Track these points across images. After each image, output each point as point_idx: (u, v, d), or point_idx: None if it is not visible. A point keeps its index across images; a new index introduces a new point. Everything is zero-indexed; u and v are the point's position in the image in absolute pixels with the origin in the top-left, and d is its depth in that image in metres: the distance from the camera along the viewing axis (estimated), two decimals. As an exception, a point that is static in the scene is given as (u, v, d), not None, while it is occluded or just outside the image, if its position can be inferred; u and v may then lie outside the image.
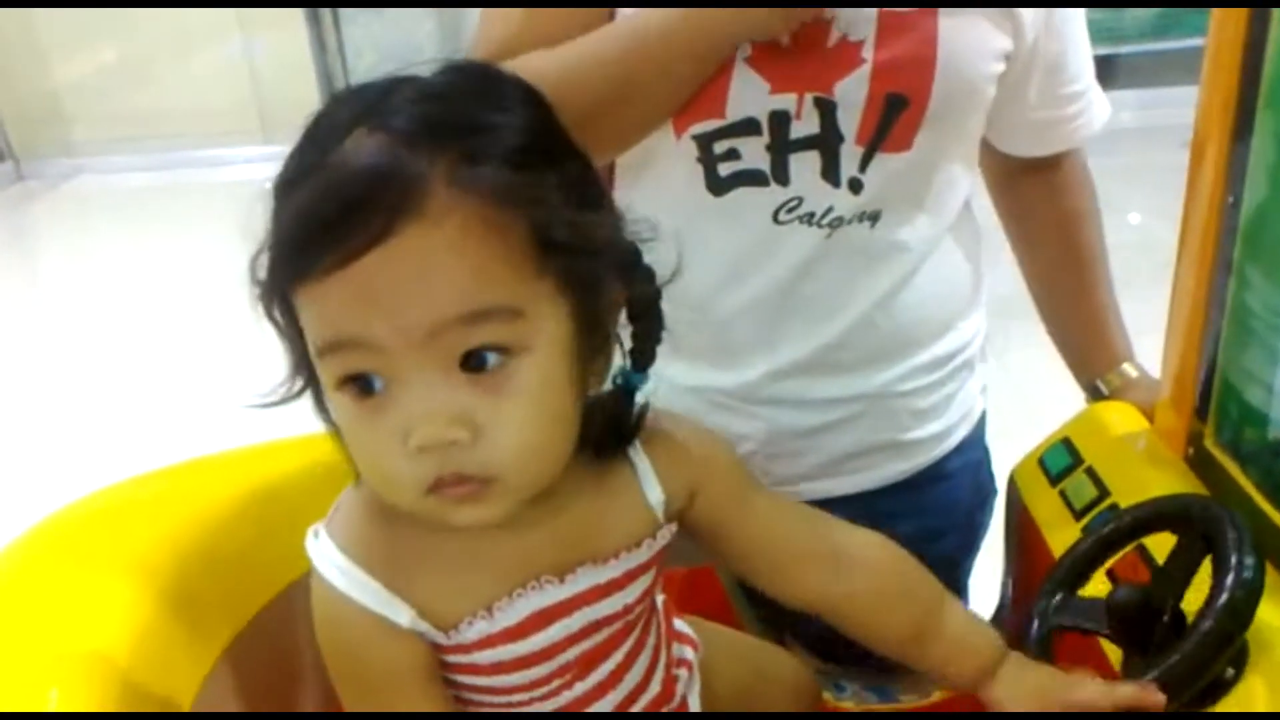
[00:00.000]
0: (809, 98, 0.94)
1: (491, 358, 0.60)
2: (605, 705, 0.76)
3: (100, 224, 5.43)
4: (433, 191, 0.58)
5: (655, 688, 0.80)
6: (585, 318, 0.64)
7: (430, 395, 0.59)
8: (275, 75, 5.59)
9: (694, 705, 0.85)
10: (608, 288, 0.65)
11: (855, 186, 0.97)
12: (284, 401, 0.67)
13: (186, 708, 0.84)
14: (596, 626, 0.73)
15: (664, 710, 0.81)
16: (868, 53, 0.92)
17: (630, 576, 0.73)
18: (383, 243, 0.57)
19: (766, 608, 1.16)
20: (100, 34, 5.49)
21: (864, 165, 0.96)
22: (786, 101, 0.94)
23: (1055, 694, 0.75)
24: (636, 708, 0.78)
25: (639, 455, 0.73)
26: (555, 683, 0.73)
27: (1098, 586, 0.86)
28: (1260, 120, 0.86)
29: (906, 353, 1.06)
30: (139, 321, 4.00)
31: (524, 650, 0.70)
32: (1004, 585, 1.13)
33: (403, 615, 0.67)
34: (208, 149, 5.66)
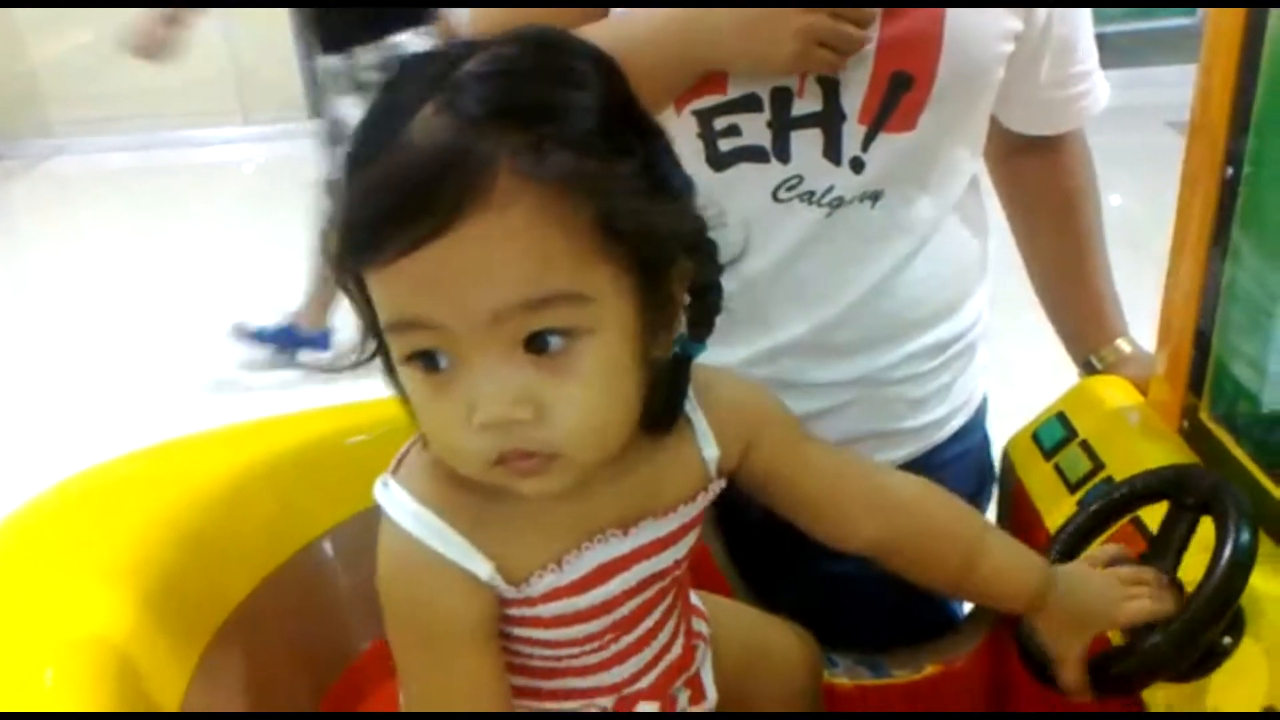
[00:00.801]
0: (811, 75, 0.92)
1: (554, 340, 0.60)
2: (635, 662, 0.77)
3: (79, 205, 5.39)
4: (500, 179, 0.57)
5: (677, 651, 0.81)
6: (650, 298, 0.64)
7: (493, 376, 0.60)
8: (255, 55, 5.54)
9: (707, 679, 0.86)
10: (674, 266, 0.66)
11: (857, 166, 0.95)
12: (357, 365, 0.67)
13: (181, 692, 0.83)
14: (649, 582, 0.75)
15: (680, 678, 0.82)
16: (872, 30, 0.90)
17: (684, 530, 0.76)
18: (448, 232, 0.57)
19: (758, 585, 1.16)
20: (77, 14, 5.42)
21: (866, 144, 0.95)
22: (789, 78, 0.92)
23: (1099, 621, 0.79)
24: (659, 669, 0.80)
25: (695, 412, 0.75)
26: (606, 637, 0.75)
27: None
28: (1260, 96, 0.86)
29: (905, 337, 1.05)
30: (119, 302, 3.97)
31: (585, 604, 0.72)
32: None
33: (483, 568, 0.68)
34: (187, 129, 5.62)
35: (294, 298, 3.31)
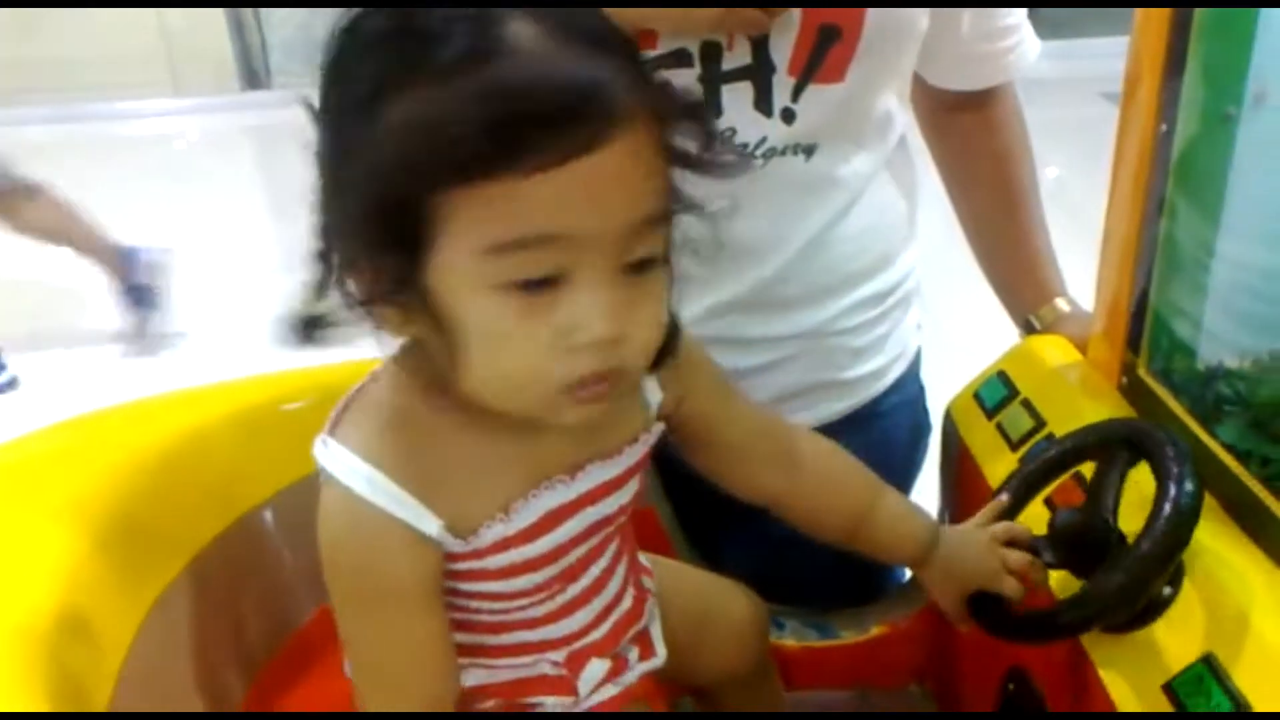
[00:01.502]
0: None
1: (650, 263, 0.63)
2: (584, 614, 0.78)
3: None
4: (625, 98, 0.58)
5: (626, 603, 0.82)
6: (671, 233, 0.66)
7: (603, 294, 0.60)
8: (185, 25, 5.41)
9: (656, 635, 0.87)
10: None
11: (788, 116, 0.96)
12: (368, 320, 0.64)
13: (118, 663, 0.81)
14: (596, 528, 0.75)
15: (630, 631, 0.83)
16: None
17: (629, 473, 0.76)
18: (601, 146, 0.57)
19: (703, 547, 1.17)
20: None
21: (796, 95, 0.96)
22: (717, 33, 0.93)
23: (973, 584, 0.85)
24: (610, 621, 0.80)
25: None
26: (554, 588, 0.75)
27: (1035, 513, 0.87)
28: (1192, 53, 0.87)
29: (845, 289, 1.06)
30: (43, 282, 3.87)
31: (533, 553, 0.71)
32: (940, 518, 1.14)
33: (431, 524, 0.67)
34: (115, 101, 5.47)
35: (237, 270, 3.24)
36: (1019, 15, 1.09)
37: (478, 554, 0.70)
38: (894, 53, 1.00)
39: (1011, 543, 0.85)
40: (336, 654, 0.83)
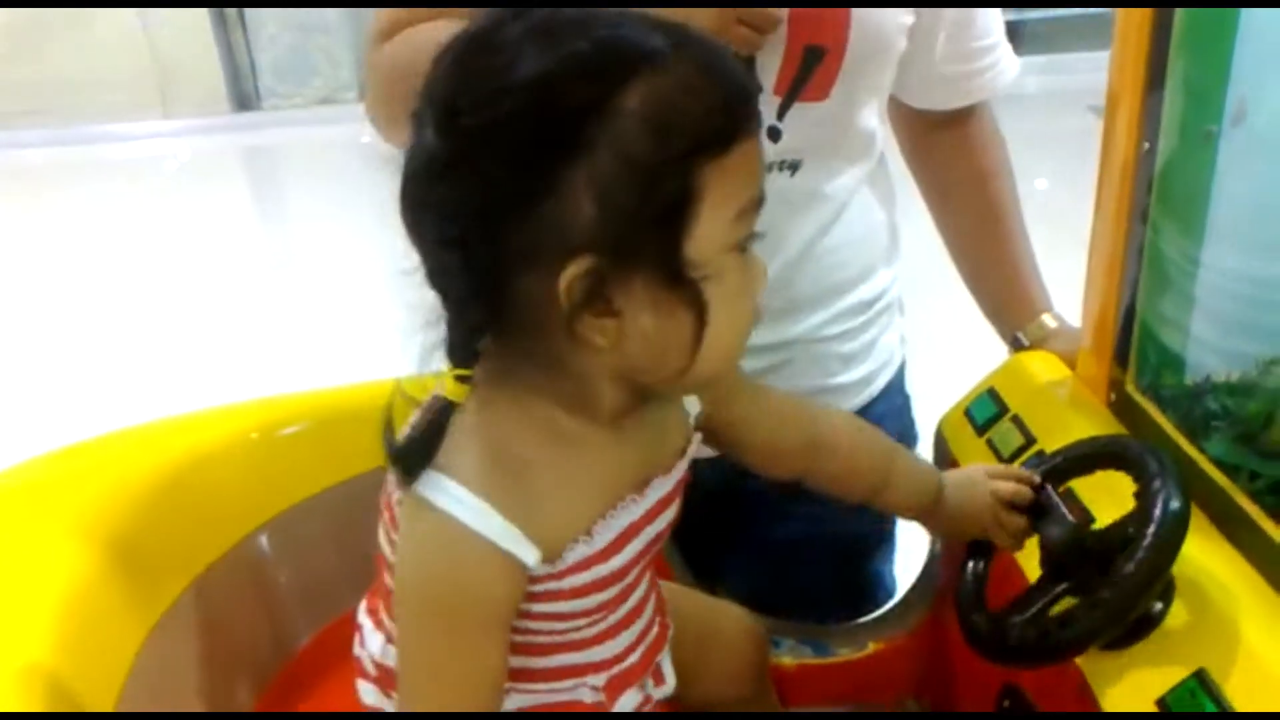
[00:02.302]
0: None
1: None
2: (626, 636, 0.79)
3: (-8, 202, 5.23)
4: None
5: (655, 630, 0.84)
6: None
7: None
8: (175, 47, 5.42)
9: (666, 665, 0.87)
10: None
11: (774, 134, 0.98)
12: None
13: (118, 688, 0.82)
14: (651, 545, 0.76)
15: (657, 657, 0.85)
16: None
17: (678, 487, 0.78)
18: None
19: (700, 566, 1.17)
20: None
21: (782, 114, 0.97)
22: None
23: (972, 532, 0.88)
24: (644, 646, 0.82)
25: None
26: (612, 607, 0.76)
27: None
28: (1172, 69, 0.88)
29: (830, 298, 1.08)
30: (37, 304, 3.87)
31: (606, 571, 0.72)
32: (932, 542, 1.15)
33: (531, 554, 0.68)
34: (106, 123, 5.48)
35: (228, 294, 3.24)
36: (996, 36, 1.10)
37: (560, 575, 0.71)
38: (875, 70, 1.01)
39: (1013, 505, 0.86)
40: (336, 677, 0.84)
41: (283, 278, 3.83)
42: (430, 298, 0.65)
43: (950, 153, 1.17)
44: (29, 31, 5.30)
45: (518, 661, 0.75)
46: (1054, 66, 4.37)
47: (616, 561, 0.73)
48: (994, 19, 1.10)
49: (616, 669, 0.79)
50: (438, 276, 0.63)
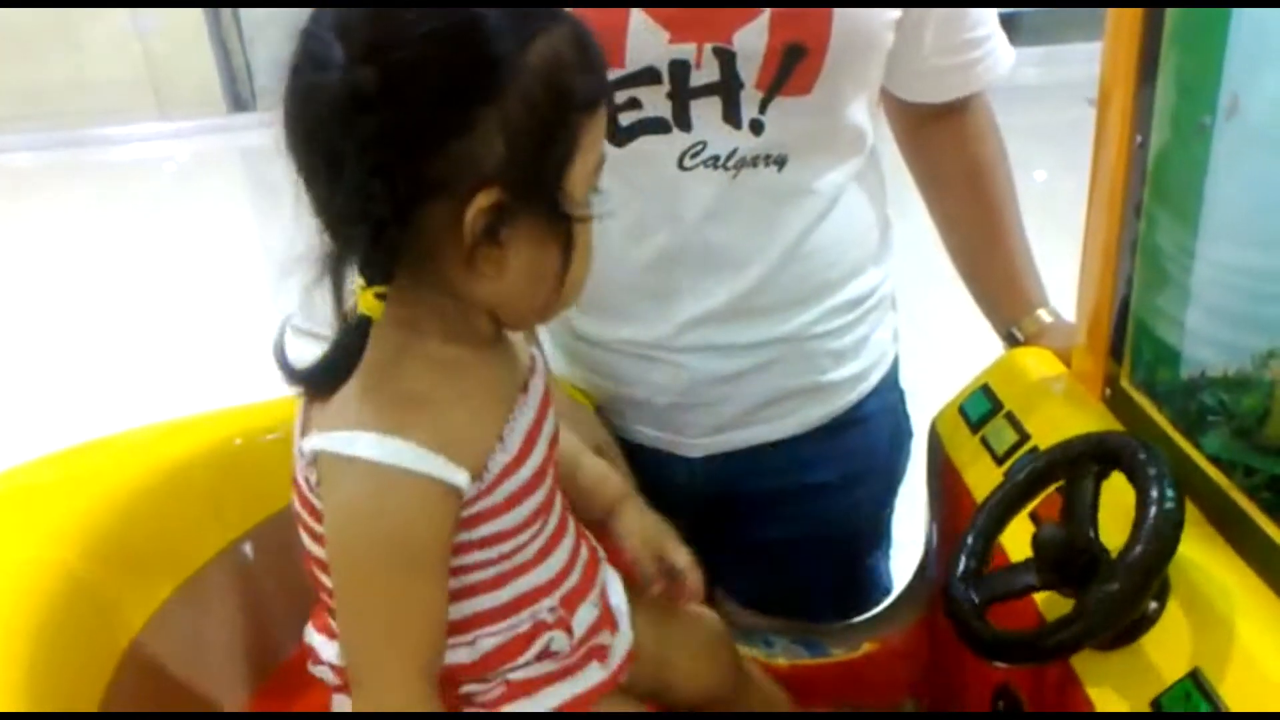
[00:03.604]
0: (708, 47, 0.93)
1: None
2: (562, 552, 0.84)
3: (-10, 206, 5.23)
4: None
5: (585, 552, 0.88)
6: None
7: None
8: (169, 49, 5.41)
9: (617, 604, 0.90)
10: None
11: (756, 128, 0.97)
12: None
13: (105, 678, 0.82)
14: (551, 447, 0.82)
15: (597, 573, 0.89)
16: None
17: (548, 390, 0.84)
18: None
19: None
20: (-22, 9, 5.25)
21: (764, 108, 0.97)
22: (686, 51, 0.93)
23: (654, 544, 0.94)
24: (580, 562, 0.86)
25: None
26: (542, 518, 0.81)
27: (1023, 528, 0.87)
28: (1164, 63, 0.87)
29: (821, 296, 1.07)
30: (34, 308, 3.87)
31: (527, 473, 0.77)
32: (929, 533, 1.14)
33: (459, 474, 0.71)
34: (101, 127, 5.47)
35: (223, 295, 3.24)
36: (988, 27, 1.08)
37: (488, 490, 0.75)
38: (861, 66, 1.00)
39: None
40: (323, 687, 0.83)
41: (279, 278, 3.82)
42: (309, 231, 0.69)
43: (944, 146, 1.16)
44: (23, 35, 5.29)
45: (471, 606, 0.78)
46: (1051, 58, 4.36)
47: (532, 462, 0.78)
48: (984, 11, 1.08)
49: (564, 587, 0.83)
50: (354, 201, 0.65)
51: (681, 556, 0.94)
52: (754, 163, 0.98)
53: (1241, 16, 0.81)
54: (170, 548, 0.95)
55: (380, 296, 0.67)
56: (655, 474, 1.10)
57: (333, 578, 0.74)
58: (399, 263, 0.68)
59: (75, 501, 0.93)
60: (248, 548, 0.98)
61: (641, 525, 0.95)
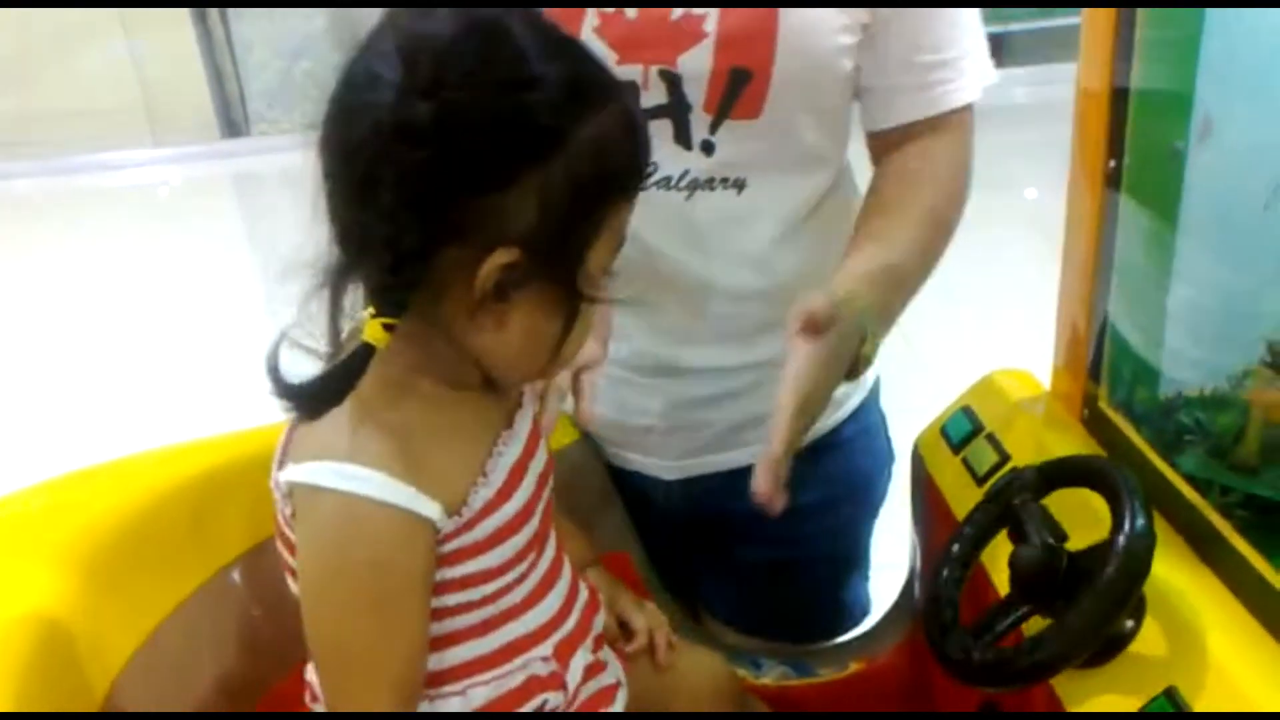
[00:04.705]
0: (654, 70, 0.94)
1: None
2: (555, 596, 0.83)
3: (-14, 233, 5.24)
4: None
5: (584, 593, 0.88)
6: None
7: None
8: (163, 75, 5.44)
9: (609, 656, 0.90)
10: None
11: (708, 149, 0.97)
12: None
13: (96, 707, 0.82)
14: (541, 484, 0.82)
15: (595, 618, 0.89)
16: (710, 25, 0.92)
17: (537, 425, 0.84)
18: None
19: (679, 587, 1.17)
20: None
21: (714, 129, 0.96)
22: (633, 72, 0.94)
23: (614, 607, 0.95)
24: (576, 607, 0.86)
25: None
26: (529, 556, 0.80)
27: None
28: (1136, 87, 0.89)
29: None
30: (30, 334, 3.87)
31: (511, 510, 0.77)
32: (913, 554, 1.15)
33: (431, 507, 0.71)
34: (95, 153, 5.49)
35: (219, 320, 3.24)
36: (949, 54, 0.99)
37: (469, 525, 0.74)
38: (812, 91, 0.97)
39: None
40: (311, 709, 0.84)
41: (274, 304, 3.83)
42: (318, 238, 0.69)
43: (885, 172, 1.04)
44: (16, 62, 5.31)
45: (461, 651, 0.77)
46: (1040, 77, 4.38)
47: (517, 499, 0.77)
48: (951, 31, 0.99)
49: (558, 634, 0.83)
50: (382, 227, 0.65)
51: (638, 618, 0.94)
52: (709, 185, 0.98)
53: (1211, 39, 0.82)
54: (162, 575, 0.95)
55: (389, 328, 0.67)
56: (633, 496, 1.10)
57: (304, 611, 0.74)
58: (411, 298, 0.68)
59: (62, 531, 0.93)
60: (235, 576, 0.98)
61: (604, 590, 0.95)
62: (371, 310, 0.67)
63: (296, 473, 0.71)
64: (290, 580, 0.78)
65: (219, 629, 0.97)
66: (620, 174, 0.70)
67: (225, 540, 0.99)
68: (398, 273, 0.66)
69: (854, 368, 0.88)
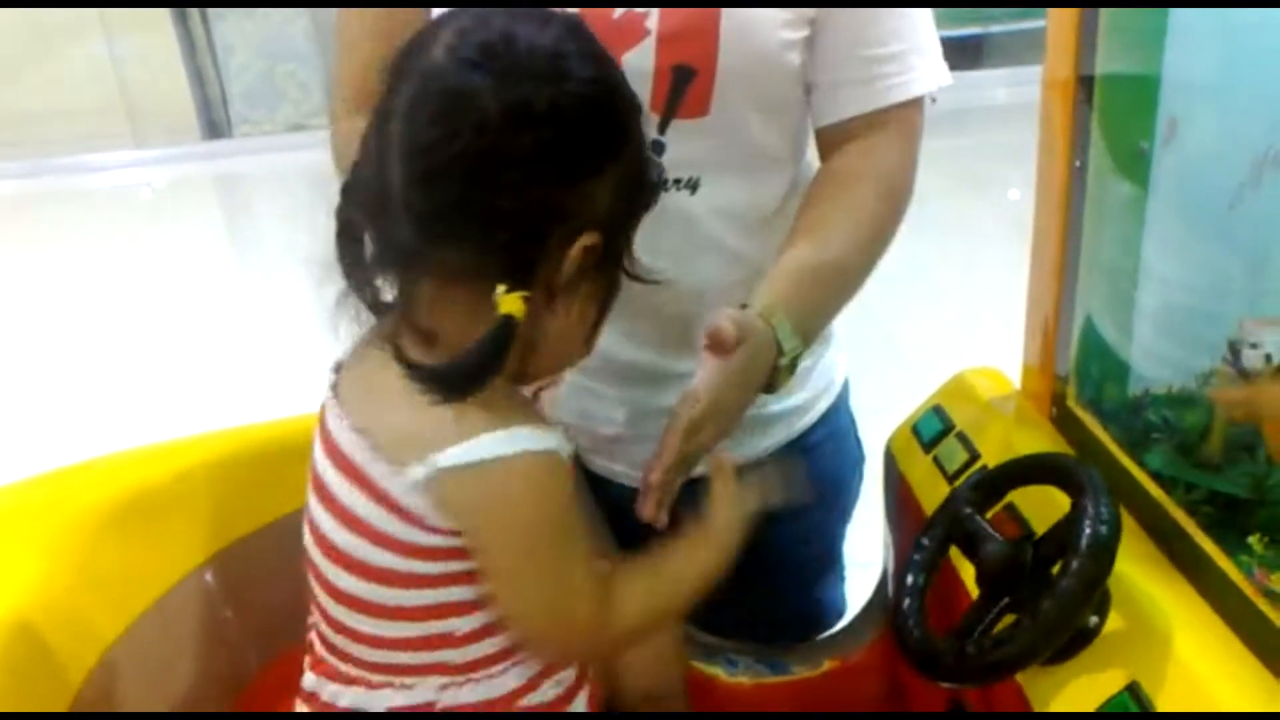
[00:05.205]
0: None
1: None
2: None
3: (-35, 235, 5.21)
4: None
5: None
6: None
7: None
8: (143, 75, 5.41)
9: None
10: None
11: (657, 148, 0.95)
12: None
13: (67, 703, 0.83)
14: None
15: None
16: (651, 23, 0.91)
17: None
18: None
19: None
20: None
21: (662, 129, 0.95)
22: None
23: None
24: None
25: None
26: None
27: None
28: (1100, 89, 0.90)
29: None
30: (10, 335, 3.85)
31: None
32: (886, 553, 1.16)
33: (568, 447, 0.78)
34: (76, 154, 5.46)
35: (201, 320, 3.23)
36: (902, 45, 0.97)
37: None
38: (759, 87, 0.96)
39: None
40: (287, 706, 0.84)
41: (256, 304, 3.82)
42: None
43: (825, 170, 1.02)
44: (-4, 65, 5.29)
45: (500, 640, 0.82)
46: (1020, 79, 4.40)
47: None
48: (900, 25, 0.97)
49: None
50: (512, 201, 0.70)
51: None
52: (667, 187, 0.97)
53: (1175, 40, 0.83)
54: (136, 573, 0.95)
55: (526, 299, 0.71)
56: (604, 501, 1.10)
57: (509, 575, 0.78)
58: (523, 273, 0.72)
59: (44, 525, 0.94)
60: (218, 569, 0.99)
61: None
62: (504, 287, 0.71)
63: (453, 456, 0.73)
64: (354, 581, 0.79)
65: (193, 627, 0.98)
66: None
67: (208, 534, 0.99)
68: (517, 252, 0.71)
69: (771, 382, 0.90)
